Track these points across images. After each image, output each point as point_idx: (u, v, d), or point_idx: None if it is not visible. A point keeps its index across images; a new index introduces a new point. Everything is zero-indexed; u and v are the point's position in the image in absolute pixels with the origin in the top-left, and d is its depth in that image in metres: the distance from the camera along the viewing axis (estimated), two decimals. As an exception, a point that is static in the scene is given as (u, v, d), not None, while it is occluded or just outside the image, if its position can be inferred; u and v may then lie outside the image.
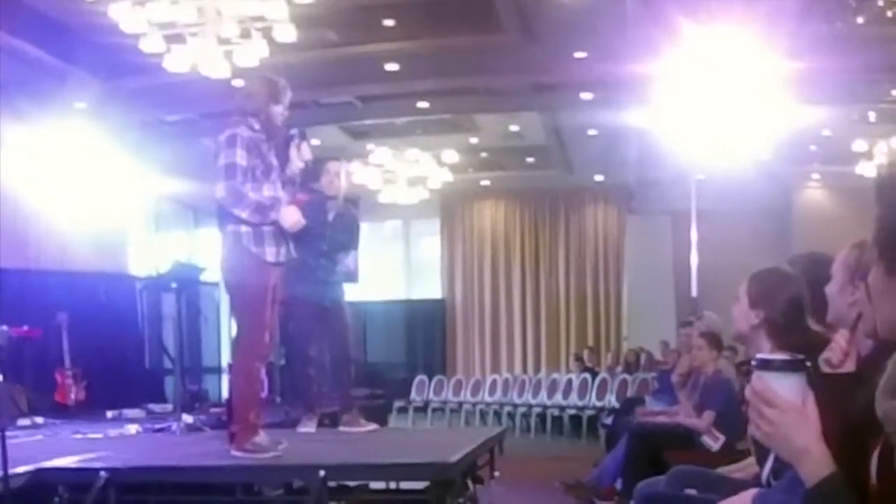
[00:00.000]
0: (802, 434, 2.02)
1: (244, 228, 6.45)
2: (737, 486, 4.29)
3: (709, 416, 8.08)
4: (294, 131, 6.99)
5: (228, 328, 19.57)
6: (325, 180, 8.47)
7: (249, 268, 6.47)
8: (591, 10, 12.28)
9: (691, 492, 4.61)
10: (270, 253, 6.48)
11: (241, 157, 6.41)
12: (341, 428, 8.19)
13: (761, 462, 3.98)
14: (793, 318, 3.91)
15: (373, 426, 8.39)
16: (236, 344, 6.74)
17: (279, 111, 6.69)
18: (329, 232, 8.45)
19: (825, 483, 1.99)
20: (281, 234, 6.55)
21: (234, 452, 6.26)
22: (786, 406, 2.02)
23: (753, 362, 2.11)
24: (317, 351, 8.31)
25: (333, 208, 8.54)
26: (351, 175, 9.21)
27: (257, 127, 6.56)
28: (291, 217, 6.55)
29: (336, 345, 8.39)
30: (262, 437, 6.34)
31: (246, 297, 6.59)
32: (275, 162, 6.66)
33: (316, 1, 11.07)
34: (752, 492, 3.77)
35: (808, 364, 2.08)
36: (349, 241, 8.80)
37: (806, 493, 2.02)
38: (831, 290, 3.23)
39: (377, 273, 22.92)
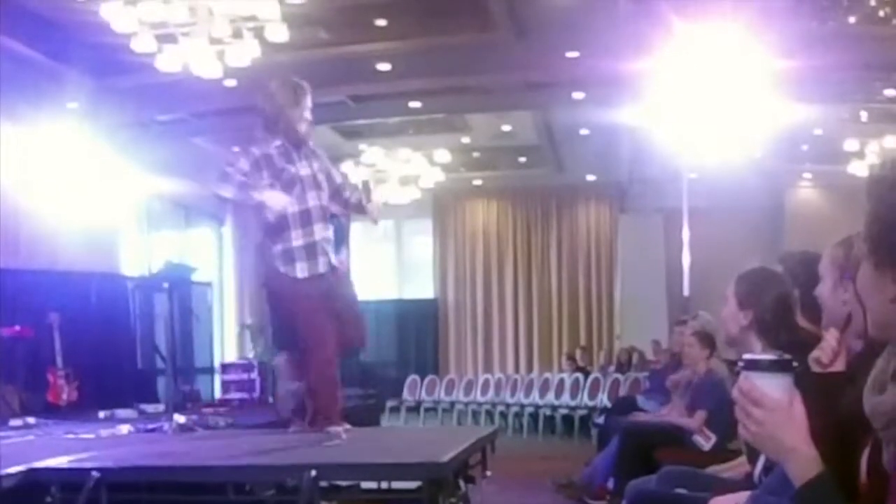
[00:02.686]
0: (790, 434, 2.03)
1: (276, 248, 6.59)
2: (727, 486, 4.30)
3: (700, 415, 8.09)
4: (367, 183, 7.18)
5: (221, 328, 19.61)
6: None
7: (281, 287, 6.66)
8: (582, 9, 12.29)
9: (682, 491, 4.62)
10: (301, 269, 6.56)
11: (242, 163, 6.55)
12: None
13: (753, 461, 3.99)
14: (781, 316, 3.91)
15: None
16: (305, 356, 6.86)
17: (299, 115, 6.71)
18: None
19: (813, 482, 1.99)
20: (314, 246, 6.61)
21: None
22: (773, 406, 2.03)
23: (741, 363, 2.11)
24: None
25: None
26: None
27: (278, 143, 6.60)
28: (276, 200, 6.56)
29: None
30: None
31: (292, 314, 6.78)
32: (304, 171, 6.68)
33: (308, 0, 11.08)
34: (744, 494, 3.77)
35: (795, 364, 2.08)
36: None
37: (794, 492, 2.02)
38: (822, 291, 3.21)
39: (369, 273, 22.92)
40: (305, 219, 6.64)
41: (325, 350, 6.65)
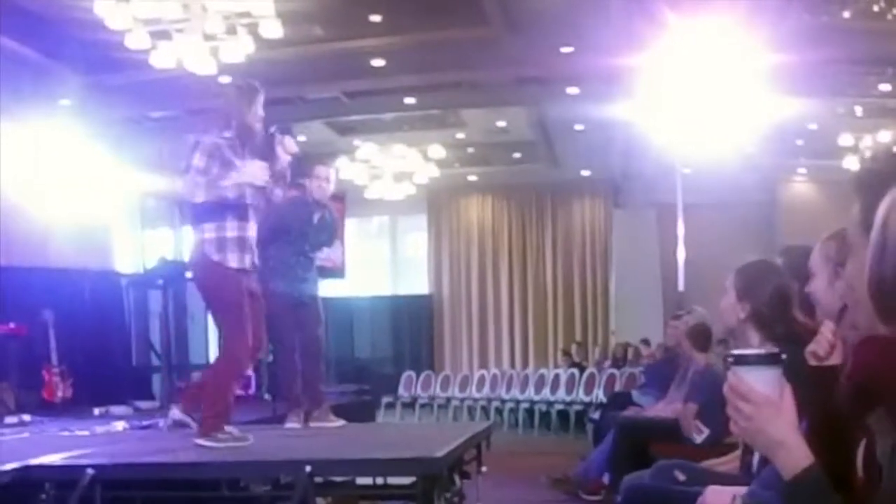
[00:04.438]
0: (779, 427, 2.01)
1: (207, 236, 6.60)
2: (721, 480, 4.30)
3: (690, 408, 8.08)
4: (273, 129, 7.05)
5: (214, 325, 19.59)
6: (313, 184, 8.49)
7: (214, 276, 6.60)
8: (576, 4, 12.28)
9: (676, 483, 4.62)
10: (233, 259, 6.56)
11: (198, 160, 6.55)
12: (311, 423, 8.19)
13: (750, 454, 3.99)
14: (779, 309, 3.90)
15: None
16: (222, 344, 6.88)
17: (254, 115, 6.76)
18: (312, 233, 8.50)
19: (803, 475, 1.98)
20: (244, 242, 6.63)
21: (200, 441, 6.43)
22: (761, 400, 2.01)
23: (729, 358, 2.10)
24: (298, 345, 8.34)
25: (318, 211, 8.58)
26: (337, 175, 9.24)
27: (228, 134, 6.63)
28: (255, 170, 6.63)
29: (309, 339, 8.41)
30: (231, 429, 6.53)
31: (218, 302, 6.78)
32: (240, 162, 6.68)
33: (301, -4, 11.08)
34: (742, 489, 3.78)
35: (783, 357, 2.07)
36: (328, 240, 8.85)
37: (784, 485, 2.01)
38: (816, 287, 3.17)
39: (364, 269, 22.93)
40: (242, 213, 6.66)
41: (244, 344, 6.63)
